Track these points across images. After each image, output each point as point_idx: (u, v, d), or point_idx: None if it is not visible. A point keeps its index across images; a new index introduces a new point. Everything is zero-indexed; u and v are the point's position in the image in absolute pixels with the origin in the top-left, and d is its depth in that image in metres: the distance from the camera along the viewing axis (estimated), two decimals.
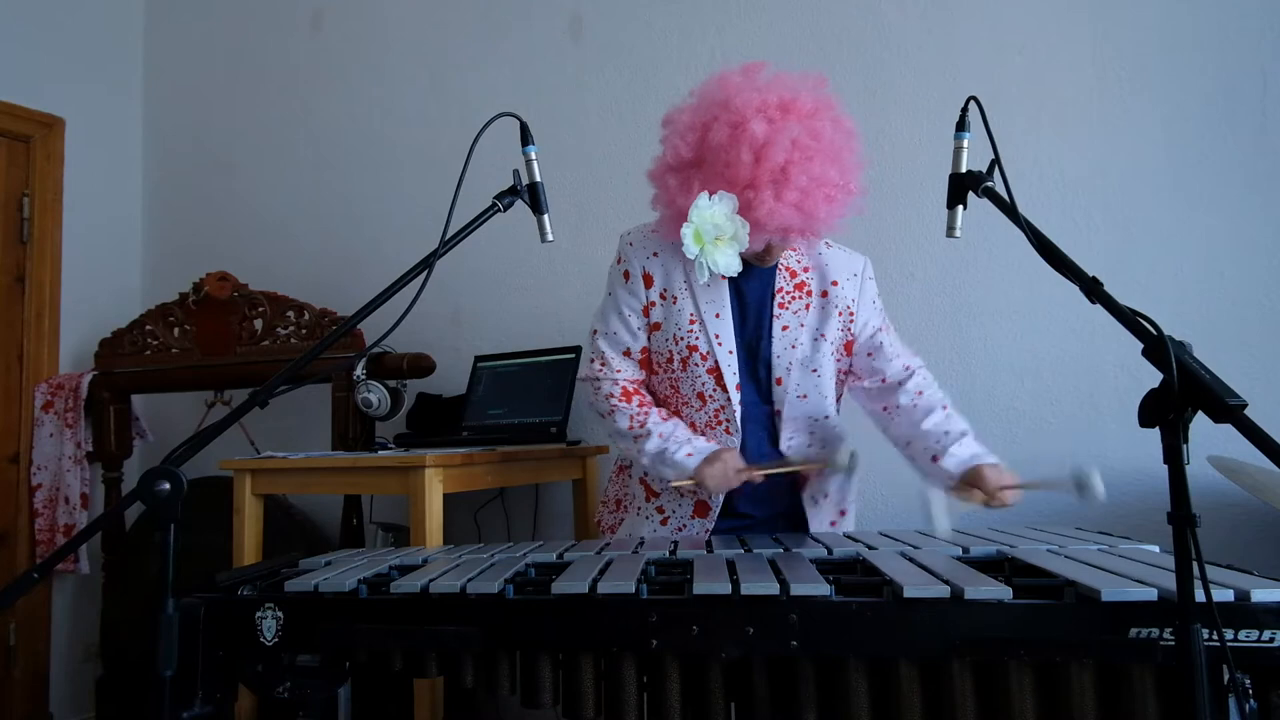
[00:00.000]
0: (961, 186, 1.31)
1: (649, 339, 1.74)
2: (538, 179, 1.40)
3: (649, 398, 1.77)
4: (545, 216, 1.42)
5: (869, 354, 1.74)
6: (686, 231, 1.47)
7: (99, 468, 3.16)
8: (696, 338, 1.67)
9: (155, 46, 3.63)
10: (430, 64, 3.08)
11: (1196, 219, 2.17)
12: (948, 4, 2.41)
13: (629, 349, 1.73)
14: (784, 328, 1.67)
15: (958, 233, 1.34)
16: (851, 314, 1.71)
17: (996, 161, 1.24)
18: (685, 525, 1.77)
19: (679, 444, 1.65)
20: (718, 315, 1.67)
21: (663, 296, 1.69)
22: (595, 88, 2.79)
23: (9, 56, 3.16)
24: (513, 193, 1.39)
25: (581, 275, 2.70)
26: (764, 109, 1.47)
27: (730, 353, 1.67)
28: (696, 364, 1.68)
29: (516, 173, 1.40)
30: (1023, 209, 1.17)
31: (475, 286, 2.93)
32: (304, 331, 2.89)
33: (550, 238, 1.43)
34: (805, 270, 1.70)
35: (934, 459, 1.62)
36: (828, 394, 1.72)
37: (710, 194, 1.46)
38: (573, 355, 2.50)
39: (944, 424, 1.67)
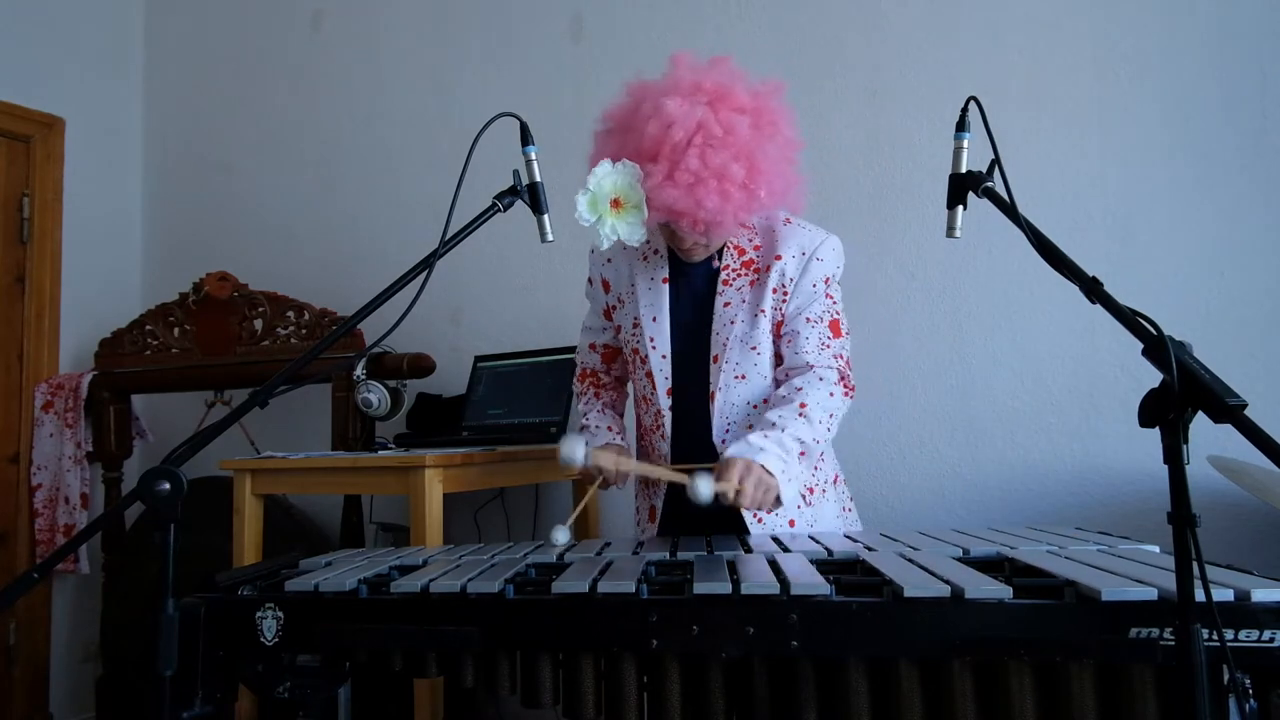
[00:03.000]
0: (961, 186, 1.31)
1: (616, 338, 1.81)
2: (538, 179, 1.40)
3: (603, 382, 1.86)
4: (545, 216, 1.42)
5: (788, 341, 1.62)
6: (581, 199, 1.45)
7: (99, 468, 3.16)
8: (637, 341, 1.69)
9: (155, 46, 3.63)
10: (430, 64, 3.08)
11: (1196, 219, 2.17)
12: (948, 4, 2.41)
13: (594, 343, 1.86)
14: (725, 304, 1.64)
15: (958, 233, 1.34)
16: (785, 292, 1.61)
17: (996, 161, 1.24)
18: (645, 529, 1.79)
19: (583, 431, 1.74)
20: (654, 319, 1.67)
21: (619, 300, 1.75)
22: (595, 88, 2.79)
23: (9, 56, 3.16)
24: (513, 193, 1.39)
25: (581, 275, 2.70)
26: (693, 91, 1.47)
27: (664, 357, 1.66)
28: (638, 367, 1.71)
29: (516, 173, 1.40)
30: (1023, 209, 1.17)
31: (475, 286, 2.93)
32: (304, 331, 2.89)
33: (550, 238, 1.43)
34: (756, 248, 1.65)
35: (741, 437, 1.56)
36: (767, 375, 1.63)
37: (614, 161, 1.46)
38: (573, 355, 2.49)
39: (779, 416, 1.54)
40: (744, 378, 1.63)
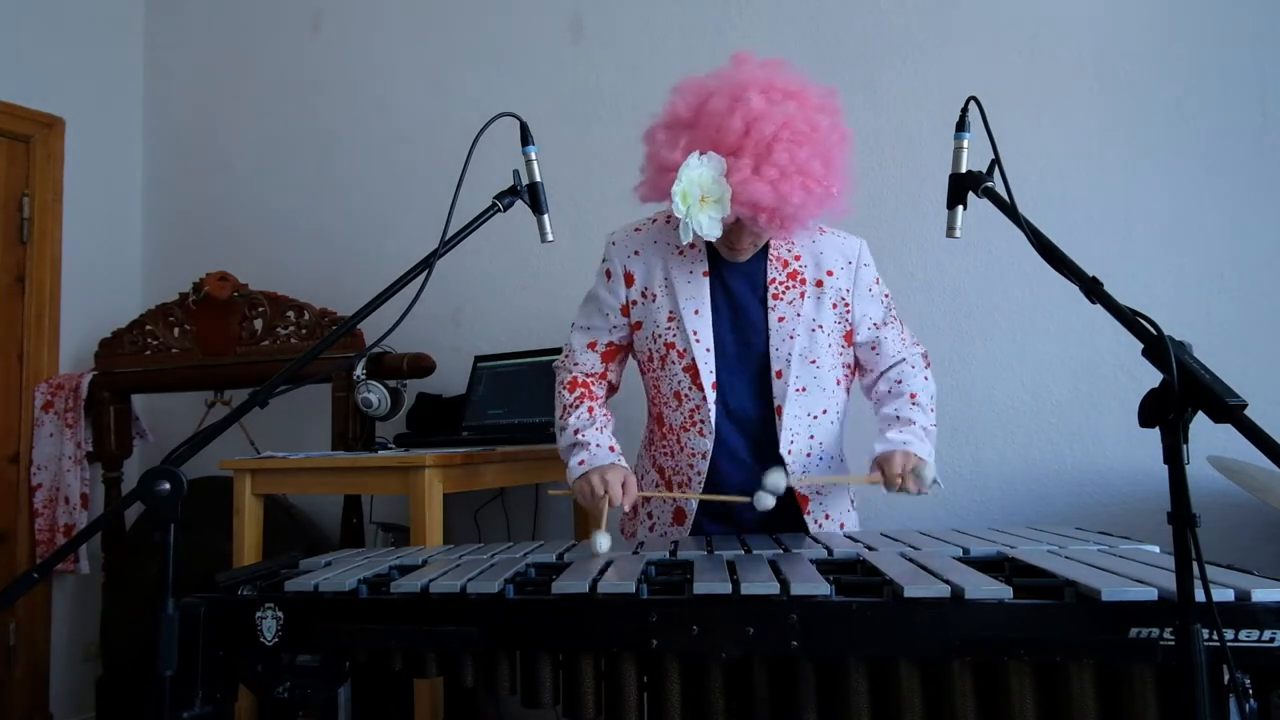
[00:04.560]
0: (961, 186, 1.31)
1: (632, 337, 1.75)
2: (538, 179, 1.40)
3: (595, 393, 1.74)
4: (545, 216, 1.42)
5: (872, 347, 1.72)
6: (676, 190, 1.44)
7: (99, 468, 3.16)
8: (674, 335, 1.66)
9: (155, 47, 3.63)
10: (430, 64, 3.08)
11: (1197, 219, 2.17)
12: (948, 4, 2.41)
13: (595, 342, 1.76)
14: (780, 319, 1.64)
15: (958, 233, 1.34)
16: (847, 305, 1.68)
17: (996, 161, 1.25)
18: (667, 532, 1.76)
19: (579, 448, 1.63)
20: (696, 312, 1.65)
21: (644, 295, 1.70)
22: (595, 88, 2.79)
23: (9, 56, 3.16)
24: (513, 193, 1.39)
25: (581, 275, 2.71)
26: (768, 88, 1.47)
27: (708, 350, 1.64)
28: (674, 362, 1.67)
29: (516, 173, 1.40)
30: (1023, 209, 1.17)
31: (475, 286, 2.93)
32: (304, 331, 2.89)
33: (550, 238, 1.43)
34: (797, 259, 1.67)
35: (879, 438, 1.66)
36: (826, 386, 1.68)
37: (687, 153, 1.45)
38: None
39: (897, 410, 1.67)
40: (804, 390, 1.66)
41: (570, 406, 1.70)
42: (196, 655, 1.20)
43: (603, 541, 1.41)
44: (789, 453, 1.66)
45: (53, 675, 3.17)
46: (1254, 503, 2.03)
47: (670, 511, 1.75)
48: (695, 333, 1.64)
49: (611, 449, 1.64)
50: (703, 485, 1.68)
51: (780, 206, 1.45)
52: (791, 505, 1.70)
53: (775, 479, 1.49)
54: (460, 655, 1.18)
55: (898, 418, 1.66)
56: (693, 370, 1.65)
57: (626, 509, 1.60)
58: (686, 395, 1.67)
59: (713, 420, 1.65)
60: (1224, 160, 2.15)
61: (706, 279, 1.66)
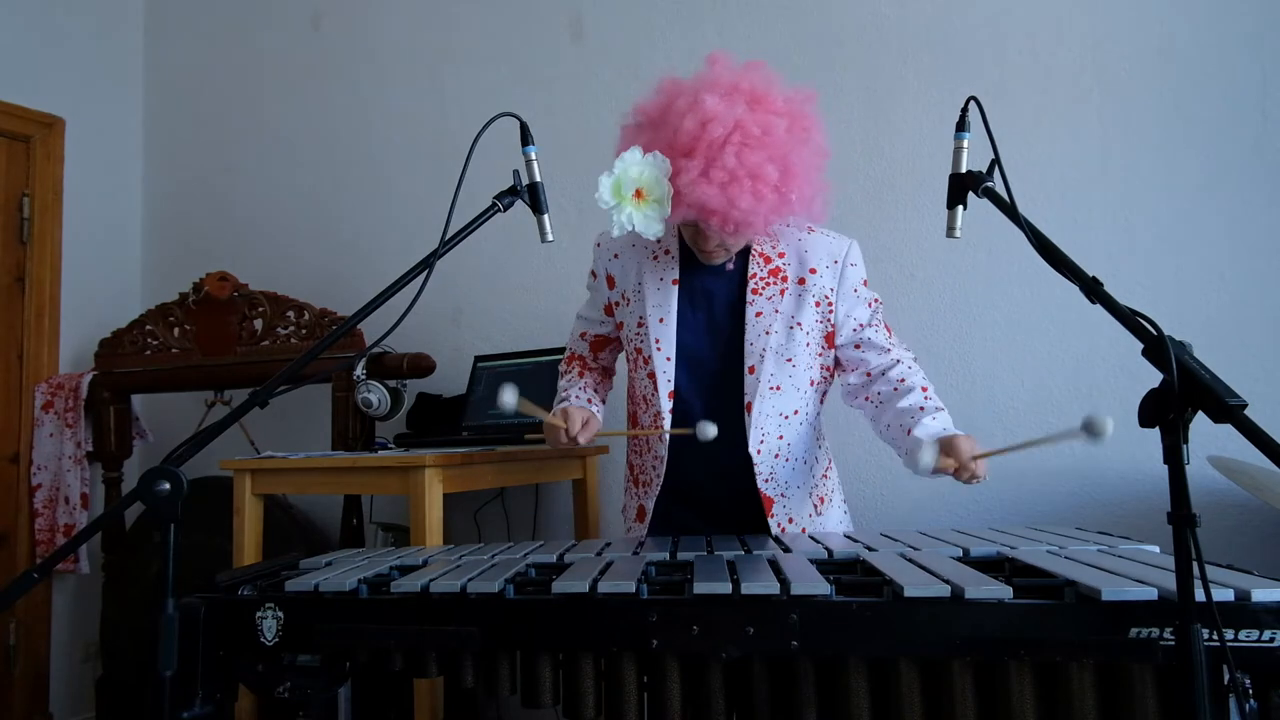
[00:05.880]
0: (961, 186, 1.31)
1: (619, 334, 1.81)
2: (538, 179, 1.40)
3: (590, 364, 1.86)
4: (545, 216, 1.42)
5: (856, 346, 1.68)
6: (605, 181, 1.44)
7: (99, 468, 3.16)
8: (642, 341, 1.69)
9: (155, 46, 3.63)
10: (430, 64, 3.08)
11: (1197, 219, 2.17)
12: (948, 4, 2.41)
13: (586, 332, 1.87)
14: (758, 314, 1.63)
15: (958, 233, 1.34)
16: (830, 304, 1.65)
17: (996, 161, 1.25)
18: (632, 528, 1.79)
19: (561, 403, 1.70)
20: (661, 320, 1.66)
21: (623, 298, 1.73)
22: (595, 87, 2.79)
23: (9, 56, 3.16)
24: (513, 193, 1.39)
25: (581, 275, 2.71)
26: (731, 91, 1.47)
27: (669, 360, 1.65)
28: (641, 366, 1.70)
29: (516, 173, 1.40)
30: (1023, 209, 1.17)
31: (475, 286, 2.93)
32: (304, 331, 2.89)
33: (550, 238, 1.43)
34: (781, 255, 1.66)
35: (907, 432, 1.56)
36: (801, 387, 1.66)
37: (645, 152, 1.45)
38: None
39: (920, 402, 1.59)
40: (779, 389, 1.64)
41: (563, 374, 1.84)
42: (196, 655, 1.20)
43: (509, 395, 1.38)
44: (758, 452, 1.64)
45: (53, 675, 3.17)
46: (1254, 503, 2.03)
47: (634, 509, 1.79)
48: (658, 341, 1.66)
49: (590, 402, 1.72)
50: (661, 485, 1.70)
51: (728, 210, 1.44)
52: (755, 507, 1.68)
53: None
54: (460, 655, 1.18)
55: (922, 407, 1.57)
56: (654, 378, 1.66)
57: (583, 441, 1.59)
58: (650, 400, 1.69)
59: (666, 427, 1.66)
60: (1224, 160, 2.15)
61: (675, 287, 1.67)
